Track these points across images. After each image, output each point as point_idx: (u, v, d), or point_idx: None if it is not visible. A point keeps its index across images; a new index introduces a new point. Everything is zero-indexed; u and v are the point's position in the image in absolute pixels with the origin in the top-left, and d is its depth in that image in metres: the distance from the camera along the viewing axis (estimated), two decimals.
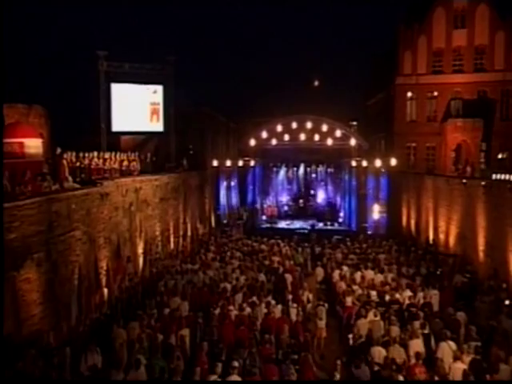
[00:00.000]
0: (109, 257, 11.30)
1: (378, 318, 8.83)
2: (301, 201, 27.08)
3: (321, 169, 27.39)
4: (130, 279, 11.83)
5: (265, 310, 9.45)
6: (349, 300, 9.82)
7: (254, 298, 9.84)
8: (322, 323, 9.63)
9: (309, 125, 20.95)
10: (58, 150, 10.61)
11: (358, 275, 11.89)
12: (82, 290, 9.52)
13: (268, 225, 24.08)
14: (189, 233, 18.10)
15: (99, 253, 10.84)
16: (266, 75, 32.88)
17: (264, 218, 25.54)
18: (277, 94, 30.17)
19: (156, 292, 10.94)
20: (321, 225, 23.66)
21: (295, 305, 9.84)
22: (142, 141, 21.04)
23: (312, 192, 27.85)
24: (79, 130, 20.20)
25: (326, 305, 9.94)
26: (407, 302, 9.72)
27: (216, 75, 33.86)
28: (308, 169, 27.50)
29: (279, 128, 21.45)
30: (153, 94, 19.15)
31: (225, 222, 23.34)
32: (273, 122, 22.09)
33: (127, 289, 11.51)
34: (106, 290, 10.65)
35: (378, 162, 19.17)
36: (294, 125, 21.14)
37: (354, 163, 21.07)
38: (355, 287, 10.84)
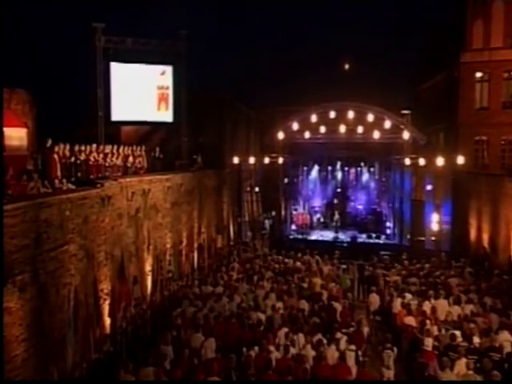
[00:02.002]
0: (111, 277, 10.58)
1: (471, 371, 7.55)
2: (337, 207, 26.05)
3: (363, 168, 26.13)
4: (136, 305, 10.95)
5: (313, 353, 8.29)
6: (428, 343, 8.53)
7: (301, 336, 8.65)
8: (391, 373, 8.43)
9: (351, 114, 19.94)
10: (49, 142, 9.84)
11: (427, 306, 10.62)
12: (78, 321, 8.72)
13: (298, 236, 23.32)
14: (205, 245, 17.31)
15: (99, 272, 10.12)
16: (295, 55, 31.74)
17: (293, 227, 24.71)
18: (309, 78, 28.96)
19: (171, 323, 9.89)
20: (363, 237, 22.52)
21: (353, 346, 8.63)
22: (146, 133, 20.50)
23: (351, 197, 26.81)
24: (71, 120, 19.95)
25: (396, 349, 8.69)
26: (509, 349, 8.35)
27: (235, 55, 32.86)
28: (346, 168, 26.37)
29: (314, 118, 20.46)
30: (161, 76, 18.53)
31: (248, 232, 22.61)
32: (306, 110, 21.14)
33: (133, 318, 10.64)
34: (108, 321, 9.76)
35: (439, 161, 17.80)
36: (333, 114, 20.19)
37: (407, 161, 19.74)
38: (428, 323, 9.56)
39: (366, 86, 24.57)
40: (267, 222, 24.94)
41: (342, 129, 20.21)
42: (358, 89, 23.66)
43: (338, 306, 10.81)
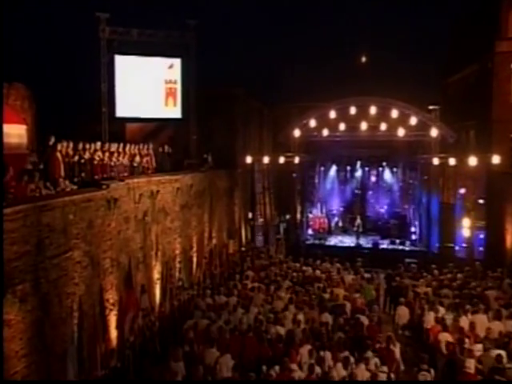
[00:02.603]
0: (117, 286, 10.40)
1: None
2: (357, 211, 25.51)
3: (385, 168, 25.65)
4: (143, 316, 10.76)
5: (343, 373, 7.96)
6: (470, 364, 8.12)
7: (327, 354, 8.33)
8: None
9: (373, 110, 19.58)
10: (52, 140, 9.63)
11: (464, 321, 10.21)
12: (83, 334, 8.49)
13: (315, 241, 22.98)
14: (216, 251, 17.16)
15: (105, 281, 9.95)
16: (310, 47, 31.31)
17: (310, 232, 24.36)
18: (326, 71, 28.54)
19: (182, 337, 9.64)
20: (386, 243, 22.05)
21: (385, 367, 8.28)
22: (152, 130, 20.43)
23: (372, 199, 26.33)
24: (72, 116, 19.84)
25: (432, 371, 8.31)
26: None
27: (247, 47, 32.58)
28: (367, 168, 25.88)
29: (332, 114, 20.19)
30: (168, 70, 18.46)
31: (261, 237, 22.41)
32: (324, 106, 20.88)
33: (141, 330, 10.41)
34: (114, 334, 9.57)
35: (472, 160, 17.31)
36: (353, 110, 19.88)
37: (435, 161, 19.26)
38: (467, 341, 9.15)
39: (388, 80, 24.16)
40: (281, 226, 24.68)
41: (364, 126, 19.85)
42: (380, 82, 23.29)
43: (365, 320, 10.45)
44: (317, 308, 11.41)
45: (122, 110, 17.52)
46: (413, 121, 19.32)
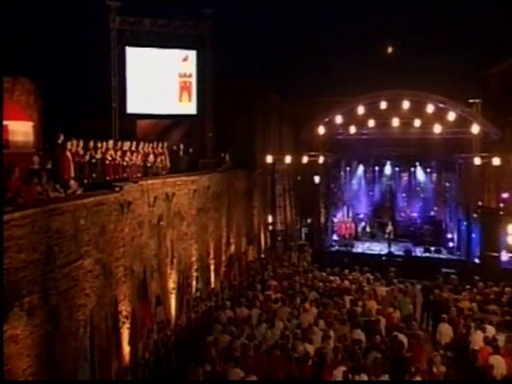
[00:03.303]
0: (131, 297, 10.23)
1: None
2: (387, 215, 25.16)
3: (418, 168, 25.13)
4: (158, 330, 10.56)
5: None
6: None
7: (364, 377, 8.00)
8: None
9: (406, 105, 19.16)
10: (61, 138, 9.52)
11: None
12: (95, 351, 8.28)
13: (341, 248, 22.61)
14: (235, 258, 17.05)
15: (117, 291, 9.78)
16: (334, 36, 30.84)
17: (334, 237, 24.02)
18: (353, 62, 28.03)
19: (201, 354, 9.40)
20: (419, 250, 21.57)
21: None
22: (165, 127, 20.45)
23: (403, 202, 25.84)
24: (81, 112, 20.00)
25: None
26: None
27: (266, 37, 32.25)
28: (397, 168, 25.44)
29: (361, 110, 19.86)
30: (183, 63, 18.46)
31: (280, 242, 22.15)
32: (351, 101, 20.56)
33: (156, 346, 10.22)
34: (127, 350, 9.45)
35: None
36: (384, 105, 19.51)
37: (477, 161, 18.70)
38: None
39: (420, 71, 23.61)
40: (303, 231, 24.43)
41: (395, 122, 19.46)
42: (412, 74, 22.77)
43: (403, 338, 10.06)
44: (348, 323, 11.09)
45: (134, 105, 17.50)
46: (451, 116, 18.82)
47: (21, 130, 12.47)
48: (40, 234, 7.35)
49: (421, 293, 14.24)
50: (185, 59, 18.47)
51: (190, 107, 18.57)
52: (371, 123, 19.90)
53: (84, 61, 21.58)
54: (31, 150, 11.15)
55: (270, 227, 23.13)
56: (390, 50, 30.61)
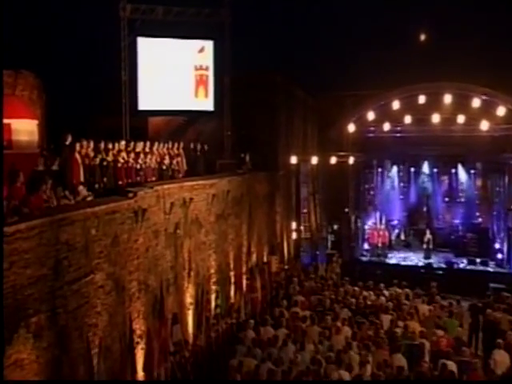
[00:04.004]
0: (145, 314, 10.16)
1: None
2: (424, 221, 24.77)
3: (460, 170, 24.64)
4: (175, 352, 10.39)
5: None
6: None
7: None
8: None
9: (448, 99, 18.91)
10: (69, 139, 9.44)
11: None
12: (106, 375, 8.18)
13: (373, 258, 22.37)
14: (257, 270, 16.87)
15: (131, 308, 9.71)
16: (363, 22, 30.37)
17: (366, 246, 23.76)
18: (384, 51, 27.56)
19: (226, 379, 9.20)
20: (463, 262, 21.12)
21: None
22: (179, 125, 20.49)
23: (442, 207, 25.34)
24: (87, 109, 20.10)
25: None
26: None
27: (288, 26, 31.98)
28: (436, 170, 24.97)
29: (396, 105, 19.75)
30: (199, 54, 18.43)
31: (303, 252, 22.04)
32: (385, 95, 20.49)
33: (173, 369, 10.08)
34: (141, 374, 9.32)
35: None
36: (422, 99, 19.33)
37: None
38: None
39: (466, 61, 22.98)
40: (329, 238, 24.19)
41: (435, 118, 19.22)
42: (456, 65, 22.23)
43: (452, 366, 9.66)
44: (386, 347, 10.76)
45: (145, 101, 17.53)
46: (500, 111, 18.48)
47: (25, 129, 12.48)
48: (48, 246, 7.26)
49: (468, 312, 13.81)
50: (201, 50, 18.43)
51: (206, 103, 18.51)
52: (408, 119, 19.71)
53: (91, 53, 21.55)
54: (36, 150, 11.14)
55: (294, 235, 22.95)
56: (423, 37, 30.08)
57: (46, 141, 13.01)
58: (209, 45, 18.29)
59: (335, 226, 24.28)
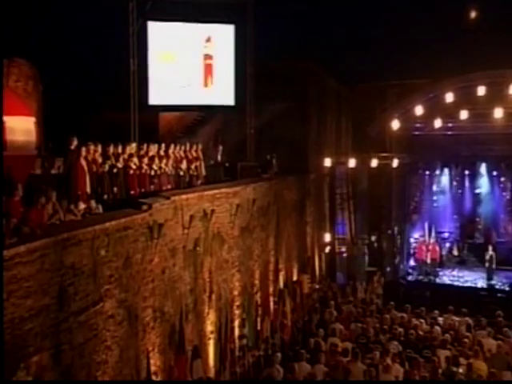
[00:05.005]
0: (161, 347, 10.12)
1: None
2: (481, 233, 24.63)
3: None
4: None
5: None
6: None
7: None
8: None
9: None
10: (74, 142, 9.30)
11: None
12: None
13: (420, 277, 22.26)
14: (286, 291, 16.86)
15: (145, 340, 9.67)
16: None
17: (412, 263, 23.69)
18: (434, 33, 27.13)
19: None
20: None
21: None
22: (194, 121, 20.59)
23: (504, 218, 24.91)
24: (90, 102, 20.21)
25: None
26: None
27: (319, 5, 31.80)
28: (496, 173, 24.77)
29: (449, 97, 19.50)
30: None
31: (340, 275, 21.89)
32: (435, 86, 20.44)
33: None
34: None
35: None
36: (482, 91, 19.04)
37: None
38: None
39: None
40: (366, 252, 23.89)
41: (498, 113, 18.95)
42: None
43: None
44: None
45: (157, 94, 17.56)
46: None
47: (21, 128, 12.44)
48: (51, 271, 7.17)
49: None
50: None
51: (226, 97, 18.44)
52: (463, 115, 19.56)
53: (95, 39, 21.56)
54: (34, 152, 11.07)
55: (327, 248, 22.77)
56: (473, 14, 29.56)
57: (43, 139, 13.00)
58: (229, 30, 18.26)
59: (373, 238, 24.05)
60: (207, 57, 18.23)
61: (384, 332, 13.97)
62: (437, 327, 14.33)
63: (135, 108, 16.61)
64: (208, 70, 18.30)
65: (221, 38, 18.27)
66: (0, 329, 6.04)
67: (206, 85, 18.34)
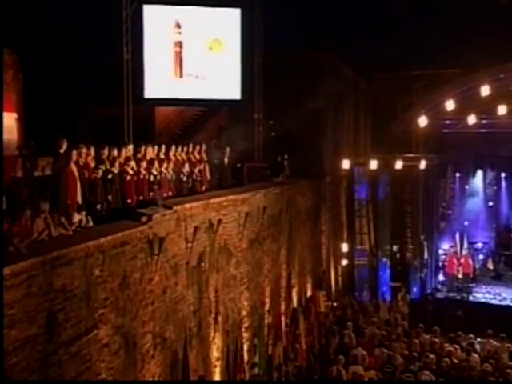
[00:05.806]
0: (162, 379, 10.14)
1: None
2: None
3: None
4: None
5: None
6: None
7: None
8: None
9: None
10: (64, 146, 9.15)
11: None
12: None
13: (451, 294, 22.32)
14: (300, 310, 16.89)
15: (144, 371, 9.62)
16: None
17: (441, 278, 23.79)
18: (468, 20, 27.14)
19: None
20: None
21: None
22: (195, 117, 20.77)
23: None
24: (78, 95, 20.45)
25: None
26: None
27: None
28: None
29: (484, 90, 19.44)
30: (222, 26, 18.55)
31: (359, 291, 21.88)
32: (467, 78, 20.40)
33: None
34: None
35: None
36: None
37: None
38: None
39: None
40: (386, 263, 23.91)
41: None
42: None
43: None
44: None
45: (154, 87, 17.76)
46: None
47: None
48: (39, 296, 7.07)
49: None
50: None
51: (231, 90, 18.53)
52: (501, 110, 19.52)
53: (84, 25, 21.78)
54: (15, 152, 10.95)
55: (345, 261, 22.84)
56: None
57: (23, 136, 12.94)
58: (235, 14, 18.34)
59: (395, 248, 24.12)
60: (212, 42, 18.29)
61: (413, 360, 13.81)
62: (474, 354, 14.21)
63: (129, 102, 16.69)
64: (210, 59, 18.38)
65: (226, 23, 18.40)
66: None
67: (208, 77, 18.41)
